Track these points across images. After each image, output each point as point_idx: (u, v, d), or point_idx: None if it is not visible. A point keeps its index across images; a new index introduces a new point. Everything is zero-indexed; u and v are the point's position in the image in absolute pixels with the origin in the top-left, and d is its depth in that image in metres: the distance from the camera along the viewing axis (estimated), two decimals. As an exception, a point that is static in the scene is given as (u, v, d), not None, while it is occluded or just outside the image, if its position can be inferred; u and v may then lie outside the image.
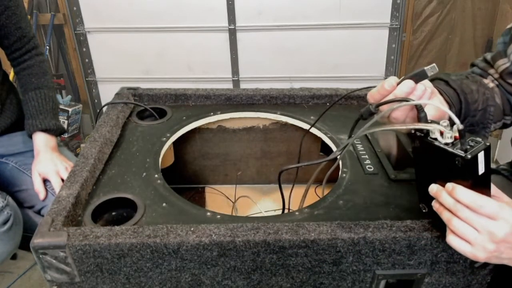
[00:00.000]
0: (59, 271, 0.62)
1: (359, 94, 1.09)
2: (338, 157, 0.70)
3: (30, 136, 1.07)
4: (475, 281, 0.70)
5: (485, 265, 0.67)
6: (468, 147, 0.52)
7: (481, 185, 0.53)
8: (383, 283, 0.68)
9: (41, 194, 1.00)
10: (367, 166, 0.83)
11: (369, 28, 2.32)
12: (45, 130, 1.06)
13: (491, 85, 0.78)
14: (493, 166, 0.98)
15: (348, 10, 2.27)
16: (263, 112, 1.05)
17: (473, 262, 0.66)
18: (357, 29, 2.32)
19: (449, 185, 0.53)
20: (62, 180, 0.99)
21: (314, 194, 1.11)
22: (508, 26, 0.79)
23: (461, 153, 0.51)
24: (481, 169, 0.51)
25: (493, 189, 0.55)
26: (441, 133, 0.54)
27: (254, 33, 2.35)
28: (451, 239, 0.54)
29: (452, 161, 0.52)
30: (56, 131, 1.09)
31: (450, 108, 0.69)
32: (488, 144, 0.51)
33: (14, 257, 1.10)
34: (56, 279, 0.63)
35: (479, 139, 0.52)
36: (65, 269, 0.62)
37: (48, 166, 1.01)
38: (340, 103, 1.10)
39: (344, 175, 0.81)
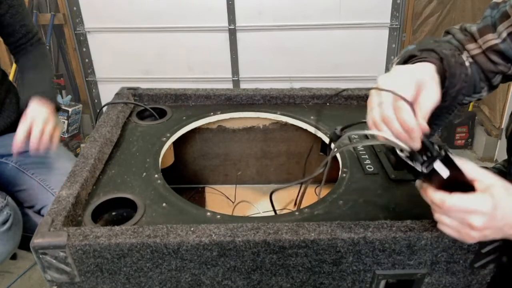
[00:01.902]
0: (59, 271, 0.62)
1: (359, 94, 1.09)
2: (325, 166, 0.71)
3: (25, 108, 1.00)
4: (475, 281, 0.70)
5: (485, 265, 0.67)
6: (425, 159, 0.56)
7: (453, 181, 0.56)
8: (383, 283, 0.68)
9: (17, 143, 0.93)
10: (367, 166, 0.84)
11: (369, 28, 2.32)
12: (41, 95, 1.01)
13: (467, 63, 0.72)
14: (492, 165, 0.98)
15: (348, 10, 2.27)
16: (263, 112, 1.05)
17: (473, 262, 0.66)
18: (357, 29, 2.32)
19: (435, 196, 0.57)
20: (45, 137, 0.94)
21: (314, 194, 1.11)
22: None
23: (419, 169, 0.56)
24: (445, 174, 0.56)
25: (476, 172, 0.57)
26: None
27: (254, 33, 2.35)
28: (442, 228, 0.59)
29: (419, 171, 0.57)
30: (53, 99, 1.03)
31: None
32: (442, 154, 0.55)
33: (14, 257, 1.10)
34: (56, 279, 0.63)
35: (436, 147, 0.56)
36: (65, 269, 0.62)
37: (40, 113, 0.96)
38: (340, 103, 1.10)
39: (344, 175, 0.81)
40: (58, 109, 1.08)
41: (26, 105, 1.00)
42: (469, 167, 0.57)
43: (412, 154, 0.57)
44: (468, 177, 0.57)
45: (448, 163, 0.56)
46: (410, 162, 0.57)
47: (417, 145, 0.56)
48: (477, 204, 0.54)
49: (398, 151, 0.58)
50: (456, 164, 0.56)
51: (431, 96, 0.60)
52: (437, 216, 0.58)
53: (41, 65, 1.13)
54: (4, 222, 0.92)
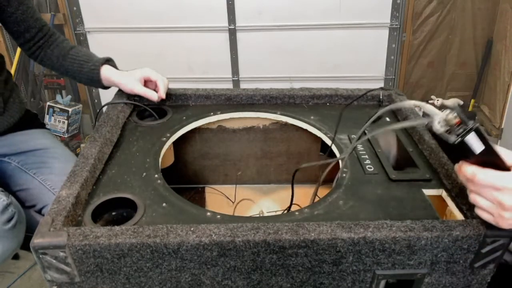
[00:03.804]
0: (59, 271, 0.62)
1: (359, 94, 1.09)
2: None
3: (97, 81, 1.07)
4: (475, 281, 0.70)
5: (485, 265, 0.67)
6: (461, 131, 0.57)
7: (487, 159, 0.58)
8: (383, 283, 0.68)
9: (154, 95, 1.02)
10: (367, 166, 0.84)
11: (369, 28, 2.32)
12: (107, 62, 1.08)
13: None
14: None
15: (348, 10, 2.27)
16: (263, 112, 1.05)
17: (473, 262, 0.66)
18: (357, 29, 2.32)
19: (467, 170, 0.59)
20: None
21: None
22: None
23: (452, 139, 0.58)
24: (478, 148, 0.57)
25: (508, 155, 0.58)
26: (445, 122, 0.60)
27: (254, 33, 2.35)
28: (478, 212, 0.61)
29: (453, 145, 0.59)
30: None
31: None
32: (475, 125, 0.57)
33: (16, 257, 1.10)
34: (56, 279, 0.63)
35: (471, 122, 0.57)
36: (65, 269, 0.62)
37: (147, 70, 1.05)
38: (340, 103, 1.10)
39: (344, 175, 0.81)
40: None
41: (96, 80, 1.07)
42: (505, 151, 0.59)
43: (447, 123, 0.59)
44: (504, 159, 0.58)
45: (481, 138, 0.57)
46: (446, 136, 0.59)
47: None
48: (508, 182, 0.55)
49: (435, 125, 0.60)
50: (489, 142, 0.57)
51: None
52: (472, 197, 0.60)
53: (73, 45, 1.13)
54: (9, 220, 0.92)
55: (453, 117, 0.59)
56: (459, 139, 0.57)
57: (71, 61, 1.09)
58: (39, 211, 1.07)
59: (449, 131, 0.59)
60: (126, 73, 1.06)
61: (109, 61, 1.09)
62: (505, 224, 0.58)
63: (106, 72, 1.06)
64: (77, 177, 0.73)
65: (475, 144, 0.57)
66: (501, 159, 0.58)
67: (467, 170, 0.59)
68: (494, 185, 0.56)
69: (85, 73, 1.07)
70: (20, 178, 1.07)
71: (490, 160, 0.58)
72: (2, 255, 0.93)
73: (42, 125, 1.22)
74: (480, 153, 0.57)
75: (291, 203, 0.90)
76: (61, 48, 1.11)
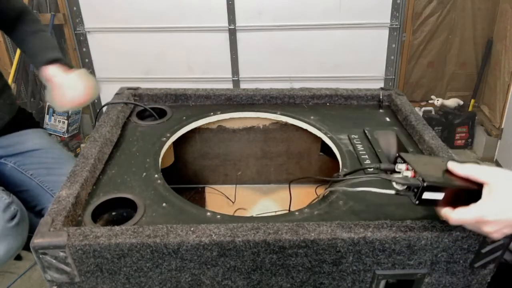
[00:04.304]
0: (59, 271, 0.62)
1: (359, 94, 1.09)
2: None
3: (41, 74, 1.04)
4: (475, 281, 0.70)
5: (485, 265, 0.67)
6: (414, 192, 0.60)
7: (454, 196, 0.60)
8: (383, 283, 0.68)
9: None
10: (367, 166, 0.83)
11: (369, 28, 2.32)
12: (56, 60, 1.04)
13: None
14: (492, 165, 0.98)
15: (348, 10, 2.27)
16: (263, 112, 1.05)
17: (473, 262, 0.66)
18: (357, 29, 2.32)
19: (442, 214, 0.61)
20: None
21: (315, 194, 1.11)
22: None
23: (414, 202, 0.60)
24: (439, 196, 0.60)
25: (483, 175, 0.58)
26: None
27: (254, 33, 2.35)
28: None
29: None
30: (65, 61, 1.06)
31: None
32: (422, 184, 0.58)
33: (19, 257, 1.10)
34: (56, 279, 0.63)
35: (416, 182, 0.59)
36: (65, 269, 0.62)
37: (80, 71, 1.01)
38: (340, 103, 1.10)
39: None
40: (71, 67, 1.09)
41: (42, 73, 1.03)
42: (473, 171, 0.59)
43: (402, 194, 0.61)
44: (478, 181, 0.58)
45: (435, 189, 0.59)
46: (410, 197, 0.61)
47: None
48: (480, 215, 0.56)
49: (397, 188, 0.62)
50: (446, 184, 0.59)
51: None
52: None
53: (39, 29, 1.10)
54: (12, 218, 0.92)
55: (405, 169, 0.62)
56: (417, 202, 0.59)
57: (25, 47, 1.09)
58: (39, 212, 1.07)
59: (409, 189, 0.60)
60: (70, 75, 1.02)
61: (59, 60, 1.05)
62: (497, 237, 0.59)
63: (51, 71, 1.03)
64: (77, 177, 0.73)
65: (434, 196, 0.59)
66: (467, 188, 0.59)
67: (440, 215, 0.61)
68: (466, 221, 0.58)
69: (34, 62, 1.07)
70: (18, 179, 1.07)
71: (458, 194, 0.60)
72: (7, 253, 0.92)
73: (38, 125, 1.21)
74: (444, 198, 0.59)
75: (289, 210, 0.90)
76: (23, 30, 1.10)
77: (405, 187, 0.61)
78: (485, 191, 0.57)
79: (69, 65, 1.07)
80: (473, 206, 0.57)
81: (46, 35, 1.12)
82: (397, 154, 0.65)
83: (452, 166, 0.61)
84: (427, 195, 0.59)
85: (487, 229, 0.57)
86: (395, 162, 0.66)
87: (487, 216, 0.56)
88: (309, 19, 2.30)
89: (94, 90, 1.02)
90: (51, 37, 1.14)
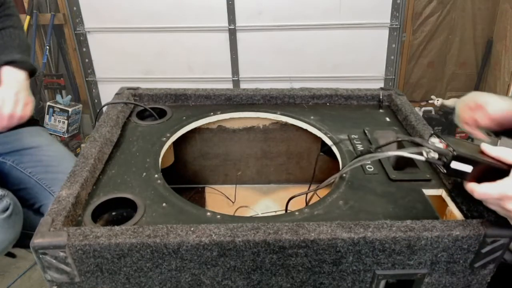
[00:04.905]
0: (59, 271, 0.62)
1: (359, 94, 1.09)
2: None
3: None
4: (475, 281, 0.70)
5: (485, 265, 0.67)
6: (443, 161, 0.63)
7: (482, 172, 0.62)
8: (383, 283, 0.68)
9: None
10: (367, 166, 0.83)
11: (369, 28, 2.32)
12: (10, 63, 0.98)
13: None
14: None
15: (348, 10, 2.27)
16: (263, 112, 1.05)
17: (473, 262, 0.66)
18: (357, 29, 2.32)
19: (468, 188, 0.63)
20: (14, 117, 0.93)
21: (315, 195, 1.10)
22: None
23: (442, 170, 0.64)
24: (467, 169, 0.62)
25: (504, 153, 0.61)
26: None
27: (254, 33, 2.35)
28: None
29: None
30: (24, 65, 1.00)
31: None
32: (453, 153, 0.62)
33: (12, 255, 1.10)
34: (56, 279, 0.63)
35: (448, 150, 0.63)
36: (65, 269, 0.62)
37: (9, 91, 0.93)
38: (340, 103, 1.10)
39: (344, 175, 0.81)
40: (33, 72, 1.04)
41: None
42: (503, 152, 0.61)
43: (432, 161, 0.65)
44: (508, 161, 0.61)
45: (465, 160, 0.62)
46: (439, 166, 0.64)
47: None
48: (505, 191, 0.58)
49: (423, 158, 0.65)
50: (476, 158, 0.62)
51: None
52: (487, 205, 0.63)
53: (7, 25, 1.05)
54: (5, 210, 0.91)
55: (438, 142, 0.65)
56: (444, 170, 0.63)
57: None
58: (38, 210, 1.07)
59: (439, 158, 0.64)
60: (6, 86, 0.96)
61: (14, 63, 0.99)
62: None
63: (2, 75, 0.98)
64: (77, 177, 0.73)
65: (463, 167, 0.62)
66: (496, 166, 0.61)
67: (467, 188, 0.63)
68: (494, 195, 0.59)
69: None
70: (16, 177, 1.07)
71: (487, 171, 0.61)
72: None
73: (37, 123, 1.21)
74: (472, 171, 0.62)
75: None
76: None
77: (435, 155, 0.64)
78: None
79: (30, 69, 1.01)
80: (499, 181, 0.59)
81: (13, 33, 1.06)
82: (431, 132, 0.69)
83: (485, 146, 0.64)
84: (455, 165, 0.62)
85: (510, 206, 0.58)
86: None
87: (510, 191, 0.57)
88: (309, 19, 2.30)
89: (23, 110, 0.95)
90: (21, 35, 1.05)
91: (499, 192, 0.58)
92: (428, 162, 0.68)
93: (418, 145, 0.66)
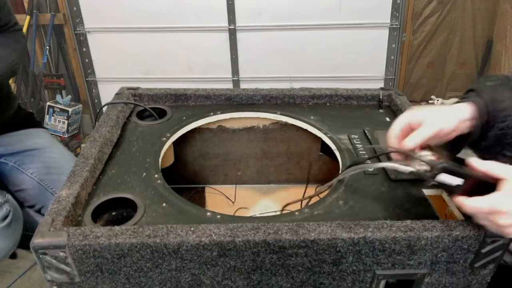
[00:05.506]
0: (59, 271, 0.62)
1: (359, 94, 1.09)
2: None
3: None
4: (475, 281, 0.70)
5: (485, 265, 0.67)
6: (430, 174, 0.63)
7: (472, 186, 0.61)
8: (383, 283, 0.68)
9: None
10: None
11: (369, 28, 2.32)
12: None
13: None
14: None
15: (348, 10, 2.27)
16: (263, 112, 1.05)
17: (473, 262, 0.66)
18: (357, 29, 2.32)
19: (457, 202, 0.62)
20: None
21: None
22: None
23: (428, 183, 0.63)
24: (456, 182, 0.62)
25: (499, 170, 0.59)
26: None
27: (254, 33, 2.35)
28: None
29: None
30: None
31: (477, 120, 0.69)
32: (441, 165, 0.61)
33: (14, 256, 1.10)
34: (56, 279, 0.63)
35: (438, 163, 0.62)
36: (65, 269, 0.62)
37: None
38: (340, 103, 1.10)
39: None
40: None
41: None
42: (492, 166, 0.60)
43: (417, 173, 0.64)
44: (495, 175, 0.59)
45: (453, 173, 0.61)
46: (427, 179, 0.64)
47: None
48: (495, 205, 0.57)
49: (413, 169, 0.65)
50: (465, 171, 0.61)
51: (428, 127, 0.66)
52: (475, 220, 0.62)
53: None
54: (4, 218, 0.92)
55: (430, 155, 0.65)
56: (432, 182, 0.62)
57: None
58: (39, 211, 1.07)
59: (430, 171, 0.63)
60: None
61: None
62: (509, 233, 0.59)
63: None
64: (77, 177, 0.73)
65: (451, 180, 0.62)
66: (485, 179, 0.60)
67: (456, 202, 0.62)
68: (482, 210, 0.58)
69: None
70: (18, 178, 1.07)
71: (476, 184, 0.61)
72: None
73: (38, 124, 1.21)
74: (462, 185, 0.61)
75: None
76: None
77: (424, 167, 0.64)
78: (501, 185, 0.58)
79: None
80: (488, 195, 0.58)
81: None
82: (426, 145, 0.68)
83: (472, 160, 0.63)
84: (444, 177, 0.62)
85: (501, 221, 0.57)
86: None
87: (502, 206, 0.56)
88: (309, 19, 2.30)
89: None
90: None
91: (489, 205, 0.57)
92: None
93: (409, 154, 0.66)
